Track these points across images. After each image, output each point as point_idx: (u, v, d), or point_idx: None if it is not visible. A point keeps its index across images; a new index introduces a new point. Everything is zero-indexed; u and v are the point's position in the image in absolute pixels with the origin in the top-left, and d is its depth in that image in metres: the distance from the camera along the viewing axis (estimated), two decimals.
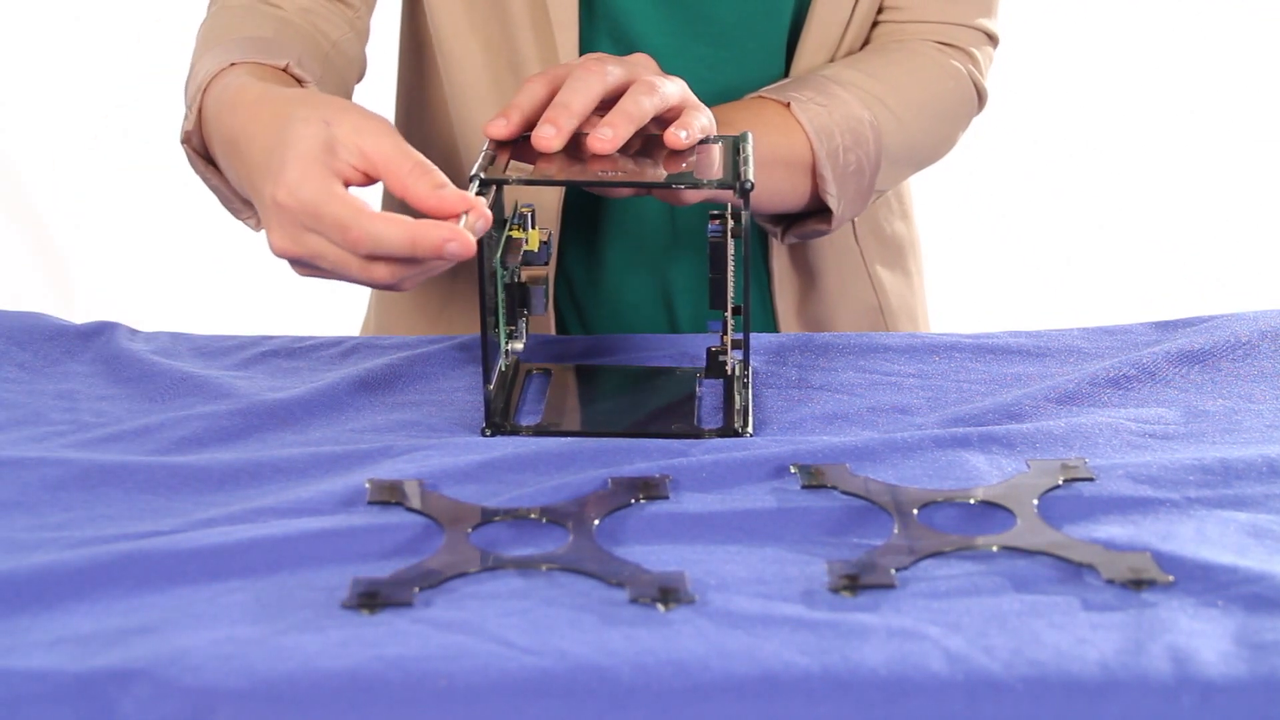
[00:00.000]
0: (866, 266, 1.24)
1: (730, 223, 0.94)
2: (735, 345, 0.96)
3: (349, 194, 0.85)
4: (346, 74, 1.10)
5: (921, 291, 1.30)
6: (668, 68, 1.00)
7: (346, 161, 0.86)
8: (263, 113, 0.91)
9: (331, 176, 0.85)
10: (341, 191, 0.85)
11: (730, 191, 0.89)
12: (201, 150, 1.00)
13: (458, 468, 0.87)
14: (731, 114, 1.07)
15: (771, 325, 1.20)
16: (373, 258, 0.85)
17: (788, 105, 1.08)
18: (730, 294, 0.94)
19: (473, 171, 0.90)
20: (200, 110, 0.97)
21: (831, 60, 1.15)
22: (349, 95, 1.11)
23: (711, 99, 1.05)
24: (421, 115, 1.21)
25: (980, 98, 1.19)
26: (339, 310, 1.73)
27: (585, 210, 1.18)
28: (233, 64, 0.97)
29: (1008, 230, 2.62)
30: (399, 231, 0.83)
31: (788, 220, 1.14)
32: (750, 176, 0.89)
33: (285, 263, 0.88)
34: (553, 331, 1.18)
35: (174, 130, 1.02)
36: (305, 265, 0.87)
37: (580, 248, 1.19)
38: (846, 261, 1.23)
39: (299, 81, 1.00)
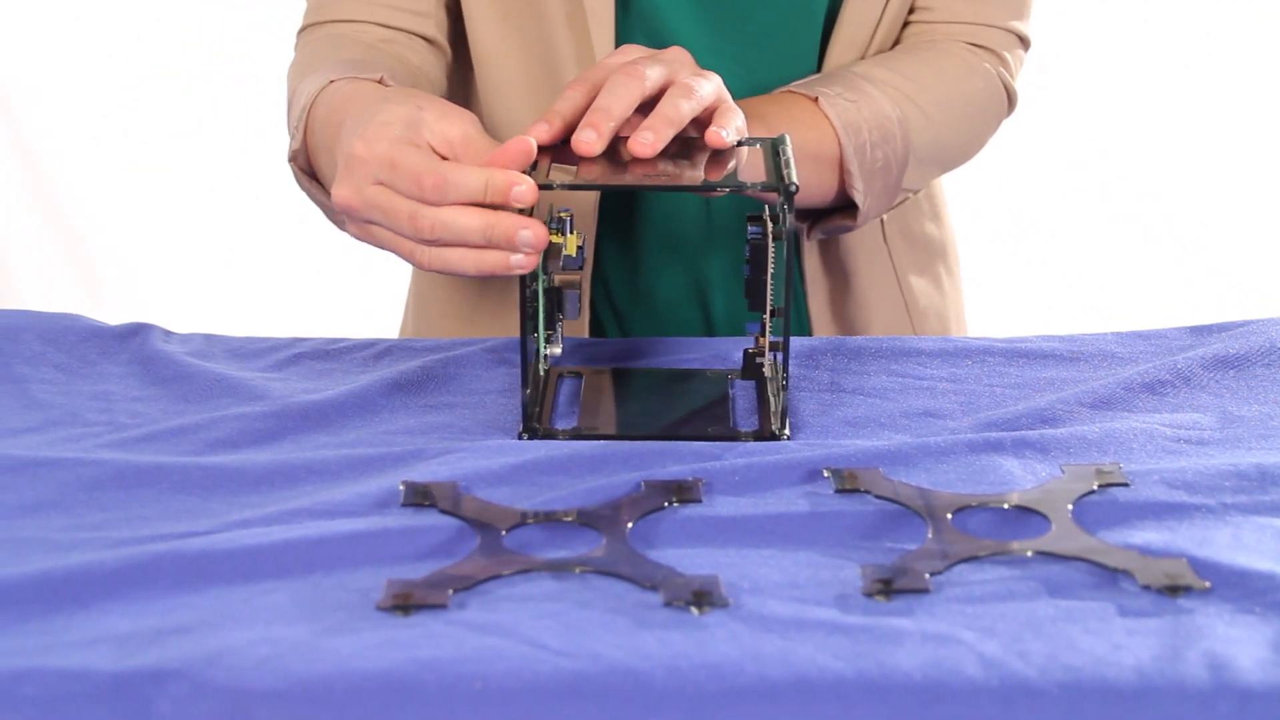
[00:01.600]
0: (895, 267, 1.24)
1: (769, 225, 0.94)
2: (773, 347, 0.96)
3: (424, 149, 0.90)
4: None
5: (955, 294, 1.30)
6: (701, 65, 1.00)
7: (426, 140, 0.90)
8: (361, 100, 0.96)
9: (409, 141, 0.89)
10: (418, 147, 0.89)
11: (771, 193, 0.89)
12: (307, 168, 1.05)
13: (491, 470, 0.87)
14: (760, 107, 1.07)
15: (805, 326, 1.20)
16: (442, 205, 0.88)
17: (816, 100, 1.08)
18: (769, 296, 0.94)
19: None
20: (306, 127, 1.02)
21: (861, 59, 1.15)
22: None
23: (743, 96, 1.05)
24: None
25: (1010, 100, 1.19)
26: (369, 314, 1.73)
27: (620, 209, 1.18)
28: (332, 81, 1.02)
29: (1041, 234, 2.61)
30: (473, 172, 0.88)
31: (813, 215, 1.15)
32: (794, 179, 0.89)
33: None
34: (587, 332, 1.18)
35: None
36: (362, 222, 0.91)
37: (616, 246, 1.19)
38: (876, 262, 1.23)
39: None
